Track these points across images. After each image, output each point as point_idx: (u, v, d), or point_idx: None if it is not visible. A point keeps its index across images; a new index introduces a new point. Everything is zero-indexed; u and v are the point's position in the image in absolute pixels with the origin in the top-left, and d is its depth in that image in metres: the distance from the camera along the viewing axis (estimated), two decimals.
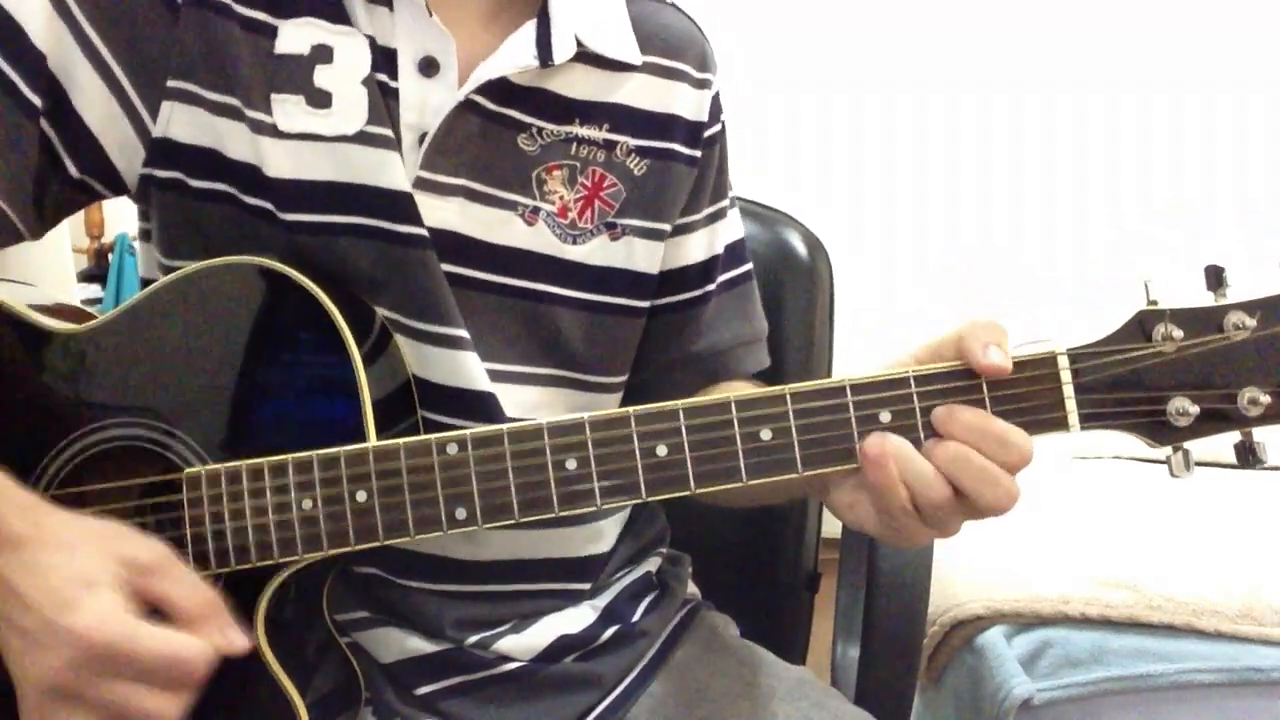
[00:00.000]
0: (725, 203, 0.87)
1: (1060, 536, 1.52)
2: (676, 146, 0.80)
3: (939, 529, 0.61)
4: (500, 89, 0.72)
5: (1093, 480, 1.82)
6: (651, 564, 0.90)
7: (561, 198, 0.76)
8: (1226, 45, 2.42)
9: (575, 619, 0.81)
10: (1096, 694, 1.29)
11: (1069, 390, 0.59)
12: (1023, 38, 2.50)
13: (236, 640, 0.57)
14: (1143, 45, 2.45)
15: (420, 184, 0.71)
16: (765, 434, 0.61)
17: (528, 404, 0.76)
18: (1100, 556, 1.42)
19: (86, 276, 2.88)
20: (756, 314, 0.90)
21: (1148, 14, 2.44)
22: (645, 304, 0.81)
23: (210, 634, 0.55)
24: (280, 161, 0.69)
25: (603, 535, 0.83)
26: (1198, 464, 0.60)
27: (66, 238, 1.97)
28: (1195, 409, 0.58)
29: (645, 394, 0.82)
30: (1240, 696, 1.29)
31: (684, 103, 0.80)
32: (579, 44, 0.74)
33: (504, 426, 0.62)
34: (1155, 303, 0.59)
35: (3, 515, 0.54)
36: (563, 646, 0.79)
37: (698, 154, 0.81)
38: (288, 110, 0.69)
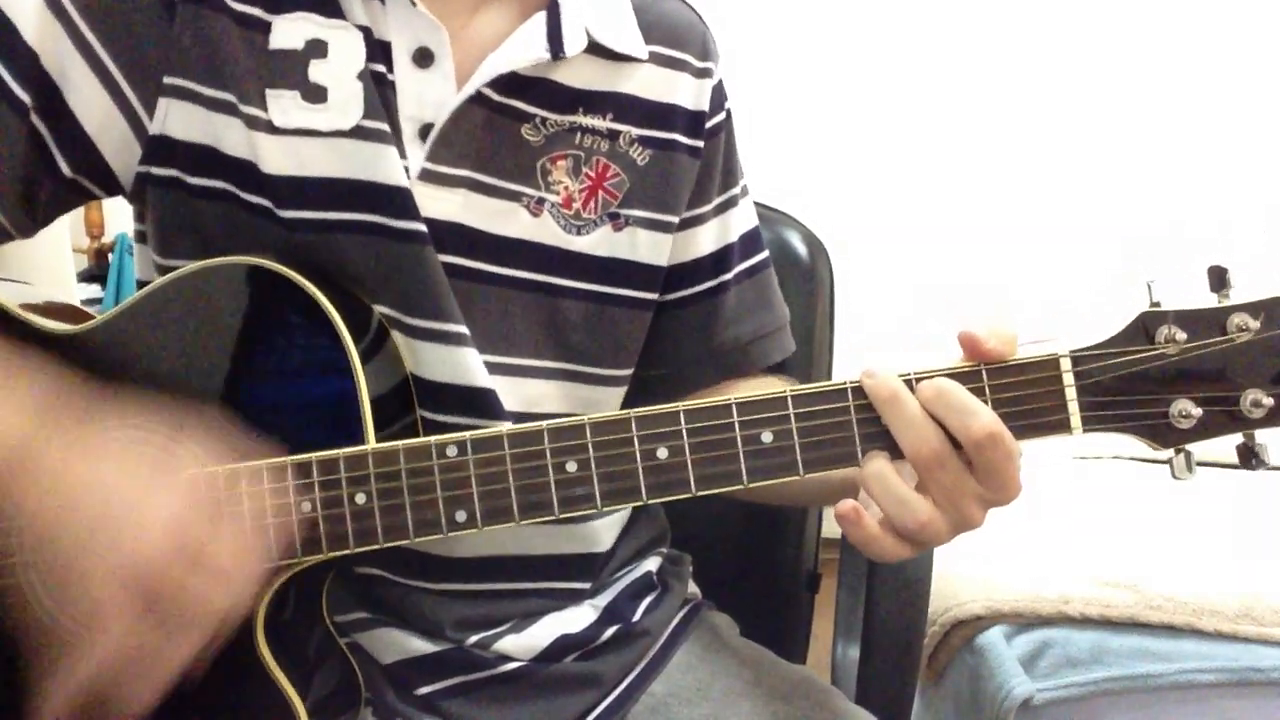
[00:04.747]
0: (736, 190, 0.86)
1: (1060, 536, 1.52)
2: (678, 137, 0.80)
3: (947, 497, 0.59)
4: (506, 80, 0.72)
5: (1093, 480, 1.82)
6: (652, 563, 0.90)
7: (566, 188, 0.75)
8: (1230, 49, 2.41)
9: (575, 618, 0.81)
10: (1096, 694, 1.29)
11: (1071, 393, 0.59)
12: (1026, 38, 2.50)
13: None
14: (1146, 47, 2.45)
15: (426, 175, 0.71)
16: (766, 436, 0.60)
17: (531, 397, 0.76)
18: (1100, 556, 1.41)
19: (86, 276, 2.87)
20: (777, 301, 0.89)
21: (1150, 16, 2.44)
22: (651, 296, 0.81)
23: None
24: (276, 158, 0.68)
25: (603, 535, 0.83)
26: (1199, 464, 0.60)
27: (66, 238, 1.95)
28: (1198, 411, 0.58)
29: (665, 391, 0.81)
30: (1240, 696, 1.29)
31: (685, 93, 0.80)
32: (588, 36, 0.74)
33: (504, 429, 0.62)
34: (1158, 304, 0.59)
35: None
36: (563, 646, 0.79)
37: (700, 145, 0.81)
38: (283, 106, 0.69)
